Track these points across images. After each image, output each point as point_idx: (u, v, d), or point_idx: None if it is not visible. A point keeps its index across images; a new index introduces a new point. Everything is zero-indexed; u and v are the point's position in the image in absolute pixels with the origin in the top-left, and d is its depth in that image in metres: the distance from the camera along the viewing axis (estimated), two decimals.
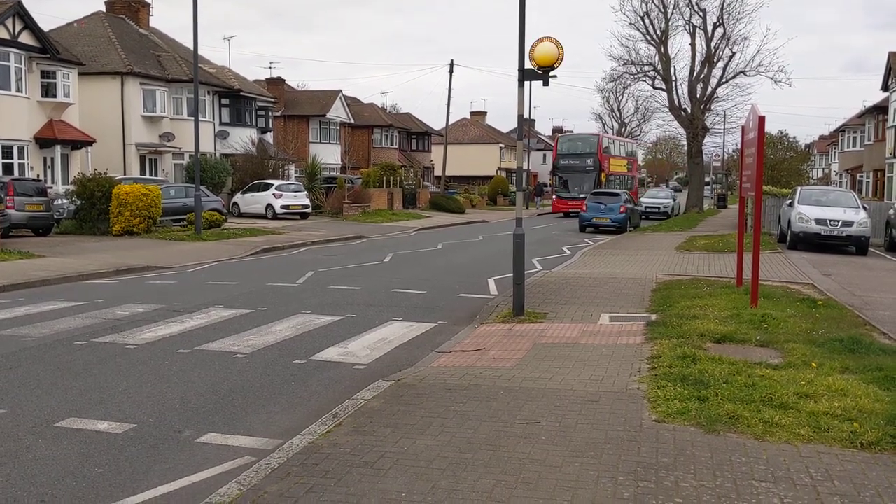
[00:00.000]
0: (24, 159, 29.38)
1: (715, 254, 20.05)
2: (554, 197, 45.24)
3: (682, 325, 9.51)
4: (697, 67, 40.32)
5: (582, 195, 37.79)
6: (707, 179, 58.52)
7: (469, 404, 6.48)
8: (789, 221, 22.56)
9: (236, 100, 43.42)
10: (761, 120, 10.73)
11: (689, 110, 40.98)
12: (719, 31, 39.40)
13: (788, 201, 24.31)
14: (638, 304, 11.91)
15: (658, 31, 39.78)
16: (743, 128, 12.86)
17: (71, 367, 8.11)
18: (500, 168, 77.47)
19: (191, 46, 26.08)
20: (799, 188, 26.12)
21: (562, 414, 6.21)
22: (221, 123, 42.46)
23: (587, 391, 6.89)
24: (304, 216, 35.01)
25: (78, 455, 5.56)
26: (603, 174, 42.65)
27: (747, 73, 39.38)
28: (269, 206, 34.73)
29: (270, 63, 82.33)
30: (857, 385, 6.77)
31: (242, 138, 42.00)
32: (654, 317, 10.56)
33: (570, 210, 40.85)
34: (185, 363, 8.34)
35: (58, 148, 31.74)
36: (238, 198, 36.40)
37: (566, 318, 10.71)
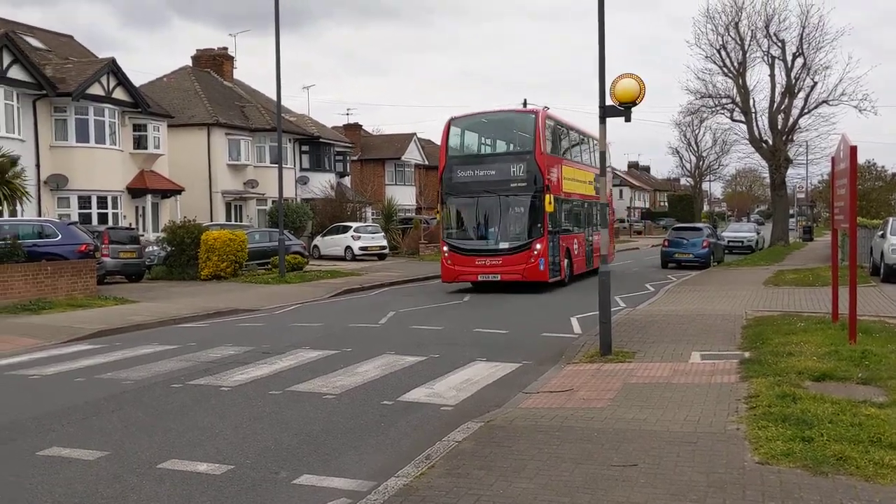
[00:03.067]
0: (117, 209, 30.72)
1: (805, 288, 19.39)
2: (445, 249, 21.38)
3: (777, 363, 9.20)
4: (778, 98, 39.44)
5: (503, 245, 20.50)
6: (791, 211, 56.88)
7: (563, 446, 6.38)
8: (882, 253, 21.66)
9: (315, 146, 44.59)
10: (853, 150, 10.40)
11: (770, 142, 40.02)
12: (799, 60, 38.52)
13: (880, 232, 23.36)
14: (729, 341, 11.58)
15: (735, 63, 39.15)
16: (833, 158, 12.49)
17: (169, 409, 8.34)
18: None
19: (272, 96, 27.01)
20: (890, 219, 25.10)
21: (659, 456, 6.05)
22: (302, 169, 43.62)
23: (684, 432, 6.70)
24: (381, 257, 35.46)
25: (181, 496, 5.69)
26: (548, 201, 19.91)
27: (830, 103, 38.28)
28: (348, 247, 35.36)
29: (347, 110, 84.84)
30: None
31: (322, 183, 43.03)
32: (747, 354, 10.24)
33: (478, 279, 21.02)
34: (277, 404, 8.48)
35: (149, 197, 33.10)
36: (318, 240, 37.15)
37: (655, 356, 10.49)
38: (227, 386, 9.39)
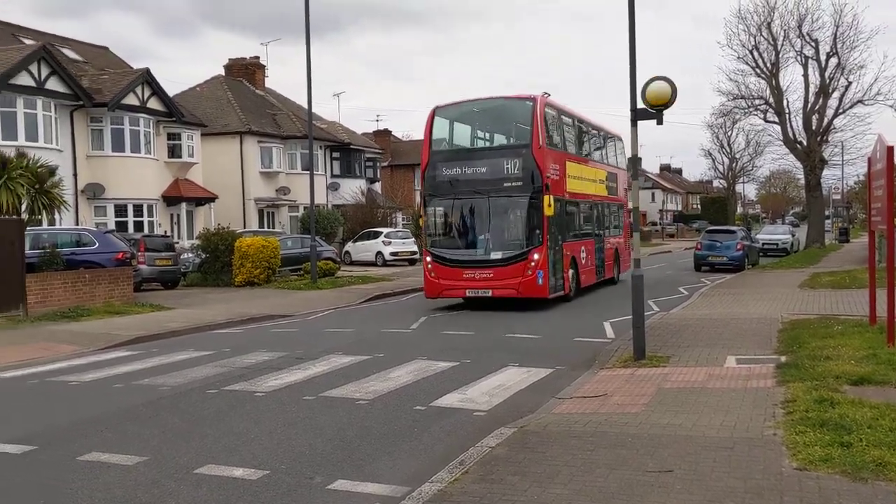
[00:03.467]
0: (153, 217, 31.19)
1: (842, 291, 19.08)
2: (428, 260, 18.48)
3: (815, 367, 9.07)
4: (812, 99, 38.86)
5: (495, 255, 17.66)
6: (827, 213, 55.96)
7: (597, 452, 6.35)
8: None
9: (346, 153, 44.89)
10: (889, 150, 10.23)
11: (804, 143, 39.44)
12: (833, 60, 37.91)
13: None
14: (765, 345, 11.44)
15: (768, 64, 38.66)
16: (869, 159, 12.29)
17: (205, 414, 8.44)
18: None
19: (303, 104, 27.21)
20: None
21: (695, 461, 6.00)
22: (333, 176, 43.91)
23: (720, 437, 6.64)
24: (412, 262, 35.57)
25: (217, 501, 5.75)
26: (548, 203, 17.14)
27: (865, 103, 37.61)
28: (379, 253, 35.53)
29: (377, 116, 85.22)
30: None
31: (352, 189, 43.30)
32: (783, 358, 10.11)
33: (466, 294, 18.16)
34: (311, 410, 8.54)
35: (183, 205, 33.55)
36: (349, 246, 37.38)
37: (690, 361, 10.39)
38: (261, 391, 9.48)
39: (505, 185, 17.75)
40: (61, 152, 27.52)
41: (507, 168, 17.82)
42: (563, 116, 20.39)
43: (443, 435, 7.50)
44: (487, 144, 19.96)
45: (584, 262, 20.87)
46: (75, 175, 28.48)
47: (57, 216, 22.58)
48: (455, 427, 7.76)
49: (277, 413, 8.42)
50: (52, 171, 18.81)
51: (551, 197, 17.20)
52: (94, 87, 29.69)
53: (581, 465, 6.02)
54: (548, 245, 17.57)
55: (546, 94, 18.44)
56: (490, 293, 17.74)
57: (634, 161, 11.53)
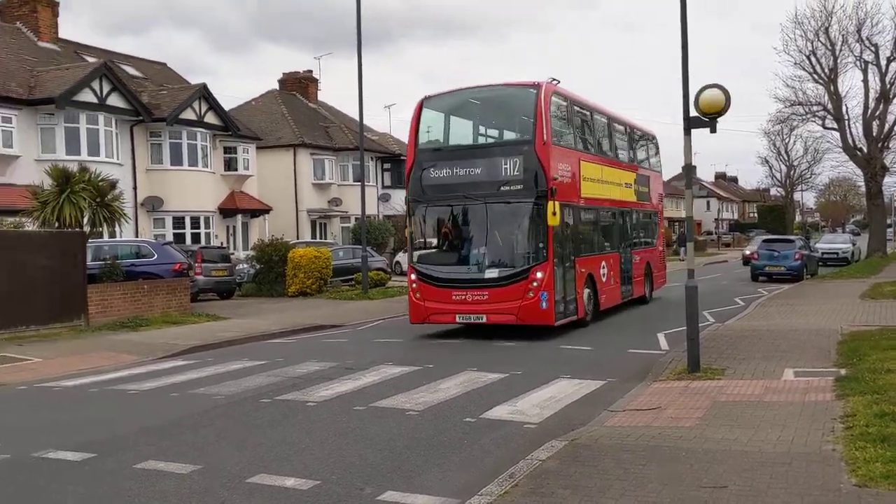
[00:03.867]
0: (209, 228, 31.85)
1: None
2: (413, 278, 15.72)
3: (876, 380, 8.80)
4: (872, 104, 37.84)
5: (491, 273, 14.93)
6: (889, 221, 54.37)
7: (649, 466, 6.26)
8: None
9: (397, 164, 45.14)
10: None
11: (864, 150, 38.42)
12: (894, 65, 36.94)
13: None
14: (823, 357, 11.14)
15: (826, 70, 37.79)
16: None
17: (258, 423, 8.56)
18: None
19: (355, 116, 27.57)
20: None
21: (751, 477, 5.86)
22: (384, 187, 44.26)
23: (776, 452, 6.48)
24: None
25: None
26: (552, 210, 14.26)
27: None
28: None
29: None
30: None
31: (403, 200, 43.54)
32: (843, 371, 9.84)
33: (457, 320, 15.50)
34: (361, 420, 8.59)
35: (239, 217, 34.19)
36: (400, 256, 37.55)
37: (746, 373, 10.18)
38: (313, 401, 9.58)
39: (503, 189, 14.95)
40: (122, 166, 28.30)
41: (506, 169, 15.01)
42: (576, 108, 17.48)
43: (493, 447, 7.47)
44: (484, 141, 17.14)
45: (604, 279, 17.95)
46: (135, 188, 29.24)
47: (117, 228, 23.20)
48: (505, 439, 7.72)
49: (328, 423, 8.49)
50: (112, 185, 19.33)
51: (557, 203, 14.32)
52: (153, 102, 30.50)
53: (633, 479, 5.94)
54: (554, 261, 14.77)
55: (554, 80, 15.96)
56: (484, 319, 14.90)
57: (688, 169, 11.37)
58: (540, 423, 8.30)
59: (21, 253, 16.36)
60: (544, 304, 14.58)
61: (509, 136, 17.04)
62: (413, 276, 15.62)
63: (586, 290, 16.60)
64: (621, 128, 20.98)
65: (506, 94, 16.69)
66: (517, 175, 14.89)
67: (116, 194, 19.41)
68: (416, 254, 15.83)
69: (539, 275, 14.58)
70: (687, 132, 10.86)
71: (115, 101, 28.27)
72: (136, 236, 27.66)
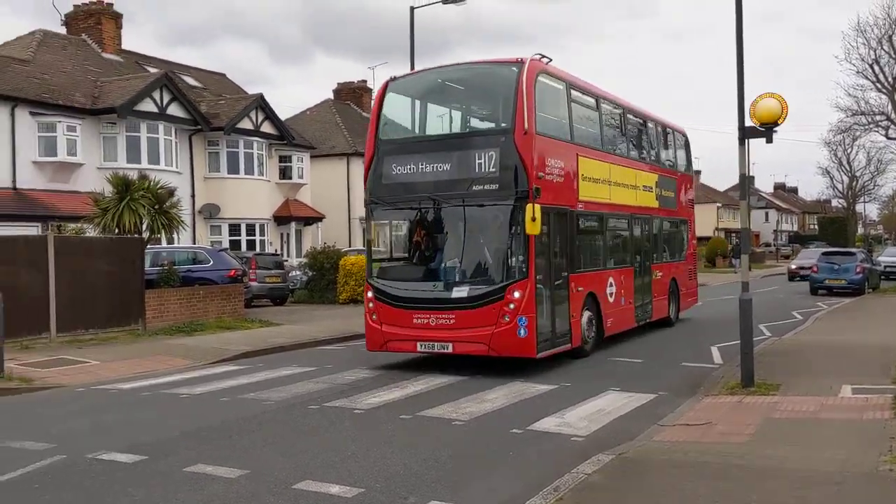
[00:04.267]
0: (264, 235, 32.40)
1: None
2: (370, 296, 13.02)
3: None
4: None
5: (458, 292, 12.31)
6: None
7: (698, 482, 6.13)
8: None
9: None
10: None
11: None
12: None
13: None
14: (883, 374, 10.79)
15: (890, 79, 36.68)
16: None
17: (305, 430, 8.64)
18: (717, 228, 74.33)
19: None
20: None
21: (802, 496, 5.70)
22: None
23: (829, 472, 6.29)
24: None
25: None
26: (531, 215, 11.68)
27: None
28: None
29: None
30: None
31: None
32: None
33: (418, 349, 12.66)
34: (407, 429, 8.61)
35: (293, 224, 34.70)
36: None
37: (801, 389, 9.91)
38: (360, 409, 9.63)
39: (475, 188, 12.38)
40: (180, 174, 28.97)
41: (480, 164, 12.40)
42: (575, 93, 14.48)
43: (539, 460, 7.41)
44: (456, 130, 14.17)
45: (611, 300, 15.13)
46: (193, 196, 29.89)
47: (175, 235, 23.70)
48: (551, 452, 7.65)
49: (375, 431, 8.52)
50: (171, 193, 19.77)
51: (538, 207, 11.67)
52: (211, 112, 31.17)
53: (680, 496, 5.82)
54: (536, 278, 12.09)
55: (542, 56, 13.20)
56: (450, 348, 12.24)
57: (744, 180, 11.15)
58: (587, 437, 8.20)
59: (83, 258, 16.81)
60: (522, 332, 11.87)
61: (486, 124, 14.49)
62: (370, 294, 13.02)
63: (586, 314, 13.83)
64: (638, 121, 18.02)
65: (483, 74, 14.00)
66: (492, 172, 12.27)
67: (174, 201, 19.83)
68: (374, 266, 13.39)
69: (516, 294, 11.88)
70: (742, 142, 10.67)
71: (174, 110, 28.98)
72: (194, 243, 28.24)
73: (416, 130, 14.12)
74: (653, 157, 18.67)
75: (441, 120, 14.45)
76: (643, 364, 13.15)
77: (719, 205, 76.24)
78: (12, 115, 24.89)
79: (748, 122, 10.51)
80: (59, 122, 25.94)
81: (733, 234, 68.71)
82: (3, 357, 11.97)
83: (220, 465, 7.15)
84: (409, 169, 13.03)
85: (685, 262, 20.36)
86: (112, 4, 33.13)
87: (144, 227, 18.69)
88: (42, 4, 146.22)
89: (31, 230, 22.47)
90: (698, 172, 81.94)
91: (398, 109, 14.20)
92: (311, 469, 7.05)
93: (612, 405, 9.75)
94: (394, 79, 13.90)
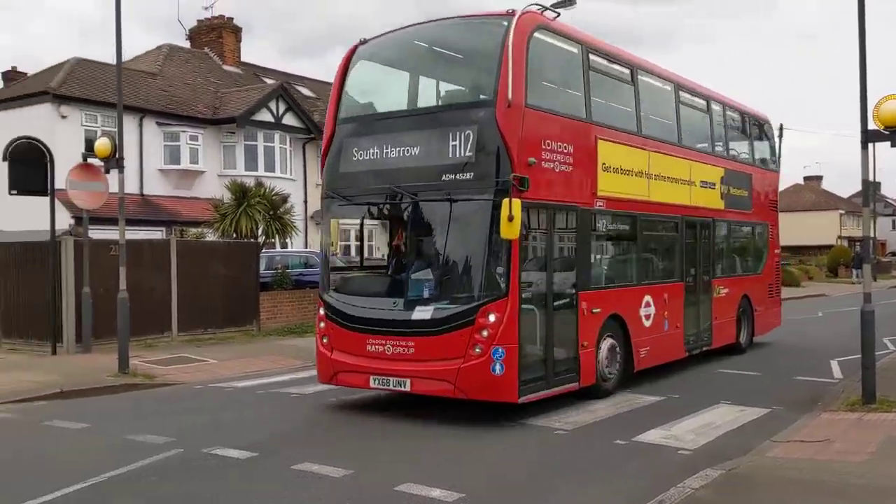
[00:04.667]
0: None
1: None
2: (322, 313, 10.35)
3: None
4: None
5: (420, 313, 9.26)
6: None
7: (813, 500, 5.86)
8: None
9: None
10: None
11: None
12: None
13: None
14: None
15: None
16: None
17: (409, 432, 8.77)
18: (840, 237, 70.77)
19: None
20: None
21: None
22: None
23: None
24: None
25: None
26: (507, 214, 8.55)
27: None
28: None
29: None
30: None
31: None
32: None
33: (371, 385, 9.65)
34: (510, 436, 8.60)
35: None
36: None
37: None
38: (464, 414, 9.68)
39: (446, 177, 9.49)
40: (294, 181, 29.95)
41: (453, 147, 9.52)
42: (595, 58, 11.16)
43: (643, 472, 7.25)
44: (420, 104, 10.92)
45: (647, 324, 11.97)
46: (305, 202, 30.81)
47: (288, 240, 24.51)
48: (657, 465, 7.47)
49: (478, 436, 8.56)
50: (284, 199, 20.48)
51: (518, 203, 8.68)
52: (324, 121, 32.03)
53: None
54: (521, 296, 9.14)
55: (543, 8, 10.36)
56: (407, 386, 9.39)
57: (867, 185, 10.57)
58: (695, 451, 7.97)
59: (203, 261, 17.63)
60: (498, 368, 8.88)
61: (459, 96, 11.07)
62: (321, 312, 10.40)
63: (606, 341, 10.83)
64: (698, 101, 14.35)
65: (466, 31, 10.90)
66: (468, 156, 9.39)
67: (288, 207, 20.52)
68: (327, 278, 10.77)
69: (491, 318, 8.94)
70: (864, 146, 10.12)
71: (289, 120, 30.01)
72: (306, 247, 29.11)
73: (383, 106, 11.08)
74: (719, 148, 15.07)
75: (412, 92, 11.15)
76: (761, 377, 12.65)
77: (842, 212, 72.51)
78: (140, 125, 26.39)
79: (871, 126, 9.97)
80: (183, 131, 27.37)
81: (857, 243, 65.23)
82: (128, 355, 12.68)
83: (325, 464, 7.32)
84: (372, 154, 10.28)
85: (762, 276, 16.66)
86: (232, 19, 34.65)
87: (260, 231, 19.44)
88: (170, 20, 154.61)
89: (156, 234, 23.77)
90: (819, 178, 78.35)
91: (364, 80, 11.44)
92: (414, 472, 7.12)
93: (723, 419, 9.44)
94: (364, 41, 11.14)
